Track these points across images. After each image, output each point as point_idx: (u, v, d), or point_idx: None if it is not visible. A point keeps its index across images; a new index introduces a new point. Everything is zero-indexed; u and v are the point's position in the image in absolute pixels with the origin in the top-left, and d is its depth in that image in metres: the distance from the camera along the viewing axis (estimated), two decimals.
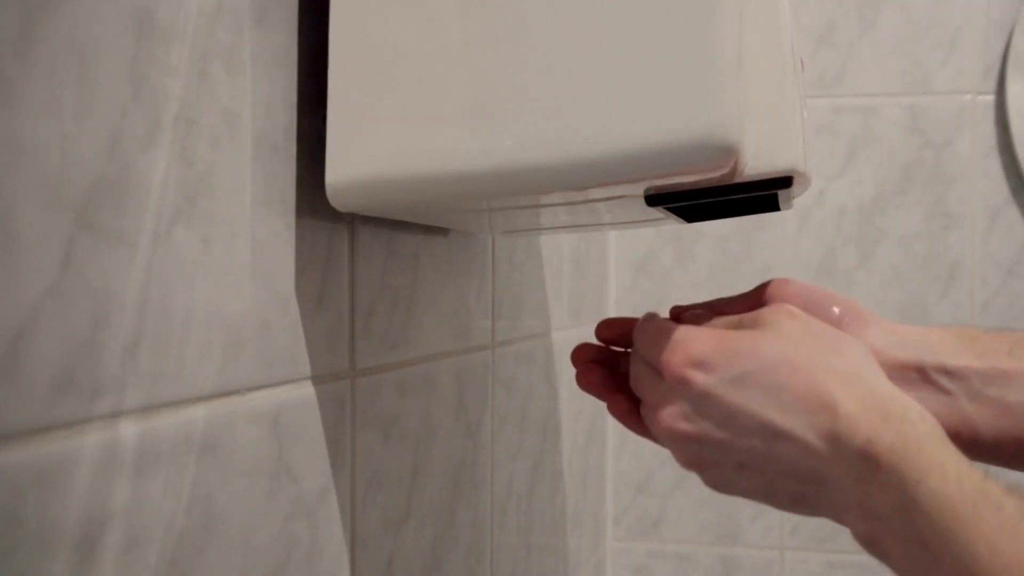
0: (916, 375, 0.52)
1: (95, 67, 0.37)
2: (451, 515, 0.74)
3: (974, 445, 0.51)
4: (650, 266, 1.40)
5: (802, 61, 0.58)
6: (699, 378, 0.48)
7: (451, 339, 0.74)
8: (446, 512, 0.73)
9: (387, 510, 0.63)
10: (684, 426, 0.49)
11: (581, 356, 0.59)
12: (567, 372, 1.08)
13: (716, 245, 1.38)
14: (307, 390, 0.53)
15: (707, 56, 0.45)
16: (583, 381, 0.58)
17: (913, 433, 0.43)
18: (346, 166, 0.50)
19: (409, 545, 0.66)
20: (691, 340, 0.49)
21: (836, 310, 0.54)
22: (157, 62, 0.41)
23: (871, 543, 0.45)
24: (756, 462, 0.47)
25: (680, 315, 0.57)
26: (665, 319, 0.55)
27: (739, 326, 0.51)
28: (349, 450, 0.58)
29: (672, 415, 0.49)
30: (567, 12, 0.47)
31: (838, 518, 0.47)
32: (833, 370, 0.46)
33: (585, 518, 1.25)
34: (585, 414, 1.22)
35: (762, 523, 1.39)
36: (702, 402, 0.48)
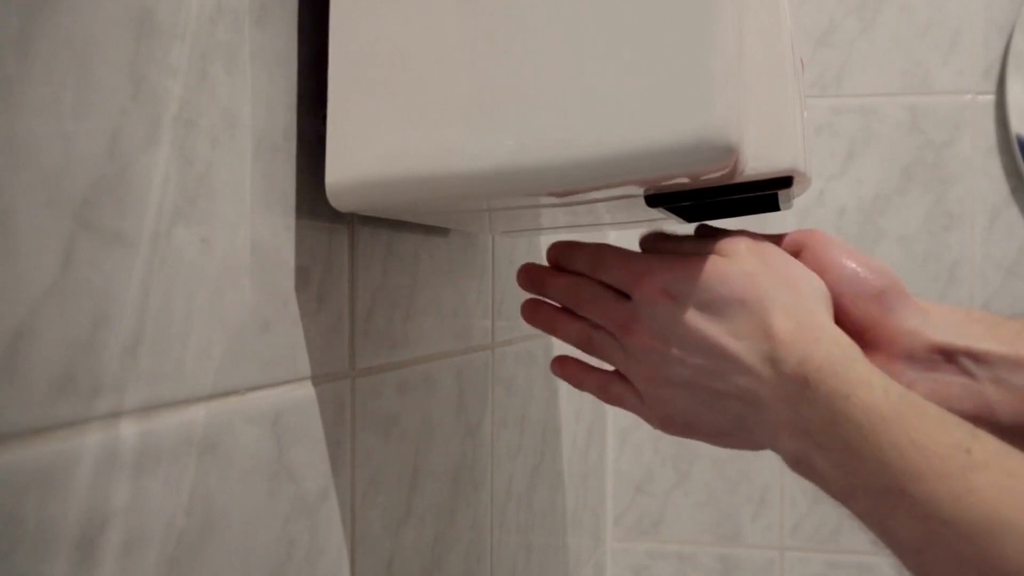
0: (941, 357, 0.53)
1: (95, 67, 0.37)
2: (451, 515, 0.74)
3: (993, 430, 0.52)
4: None
5: (802, 61, 0.58)
6: (668, 303, 0.52)
7: (451, 339, 0.74)
8: (446, 512, 0.73)
9: (387, 510, 0.63)
10: (650, 341, 0.53)
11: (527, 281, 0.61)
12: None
13: None
14: (307, 390, 0.53)
15: (707, 56, 0.45)
16: (529, 315, 0.61)
17: (841, 355, 0.47)
18: (346, 166, 0.50)
19: (409, 545, 0.66)
20: (662, 268, 0.53)
21: (876, 285, 0.54)
22: (157, 62, 0.41)
23: (799, 461, 0.48)
24: (704, 379, 0.51)
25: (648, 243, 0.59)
26: (621, 248, 0.57)
27: (701, 252, 0.53)
28: (349, 450, 0.58)
29: (640, 330, 0.53)
30: (567, 13, 0.47)
31: (772, 442, 0.50)
32: (780, 302, 0.49)
33: (585, 518, 1.25)
34: (585, 414, 1.22)
35: (762, 523, 1.39)
36: (667, 322, 0.52)
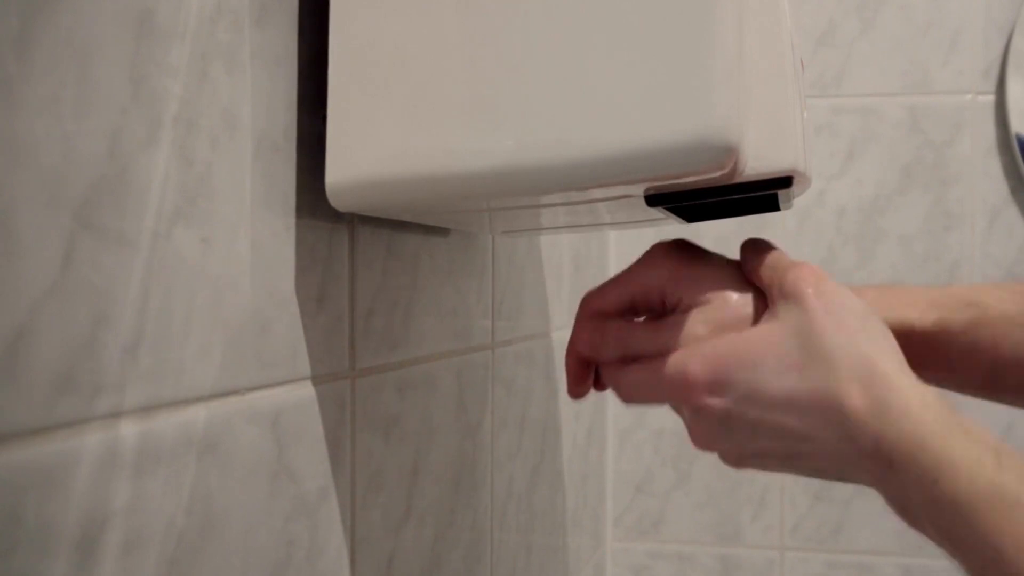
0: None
1: (95, 67, 0.37)
2: (451, 515, 0.74)
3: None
4: None
5: (802, 61, 0.58)
6: (715, 403, 0.48)
7: (451, 339, 0.74)
8: (446, 512, 0.73)
9: (387, 510, 0.63)
10: (720, 445, 0.50)
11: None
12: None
13: (716, 245, 1.38)
14: (307, 390, 0.53)
15: (707, 56, 0.45)
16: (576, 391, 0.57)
17: (913, 430, 0.43)
18: (346, 166, 0.50)
19: (409, 545, 0.66)
20: (688, 366, 0.48)
21: None
22: (157, 62, 0.41)
23: (910, 523, 0.45)
24: (792, 458, 0.48)
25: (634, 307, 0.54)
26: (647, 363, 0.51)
27: (739, 313, 0.50)
28: (349, 450, 0.58)
29: (703, 437, 0.50)
30: (567, 13, 0.47)
31: (859, 481, 0.47)
32: (846, 371, 0.45)
33: (585, 518, 1.25)
34: (585, 414, 1.22)
35: (762, 523, 1.39)
36: (726, 422, 0.48)
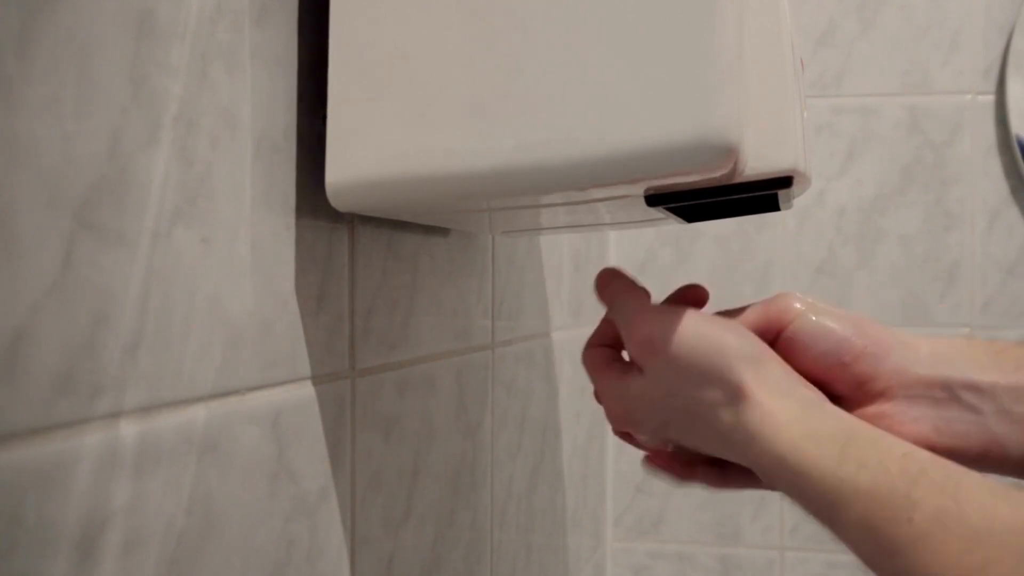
0: (943, 393, 0.51)
1: (95, 67, 0.37)
2: (451, 515, 0.74)
3: (1003, 463, 0.51)
4: (650, 266, 1.40)
5: (802, 61, 0.58)
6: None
7: (451, 339, 0.74)
8: (446, 512, 0.73)
9: (387, 510, 0.63)
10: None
11: None
12: (567, 372, 1.08)
13: (716, 245, 1.38)
14: (307, 390, 0.53)
15: (707, 56, 0.45)
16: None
17: (771, 448, 0.48)
18: (346, 166, 0.50)
19: (409, 545, 0.66)
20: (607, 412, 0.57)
21: (858, 344, 0.53)
22: (157, 62, 0.41)
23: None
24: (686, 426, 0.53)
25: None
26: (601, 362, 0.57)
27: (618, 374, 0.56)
28: (349, 450, 0.58)
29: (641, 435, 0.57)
30: (567, 13, 0.47)
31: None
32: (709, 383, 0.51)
33: (585, 518, 1.25)
34: (585, 414, 1.22)
35: (762, 523, 1.39)
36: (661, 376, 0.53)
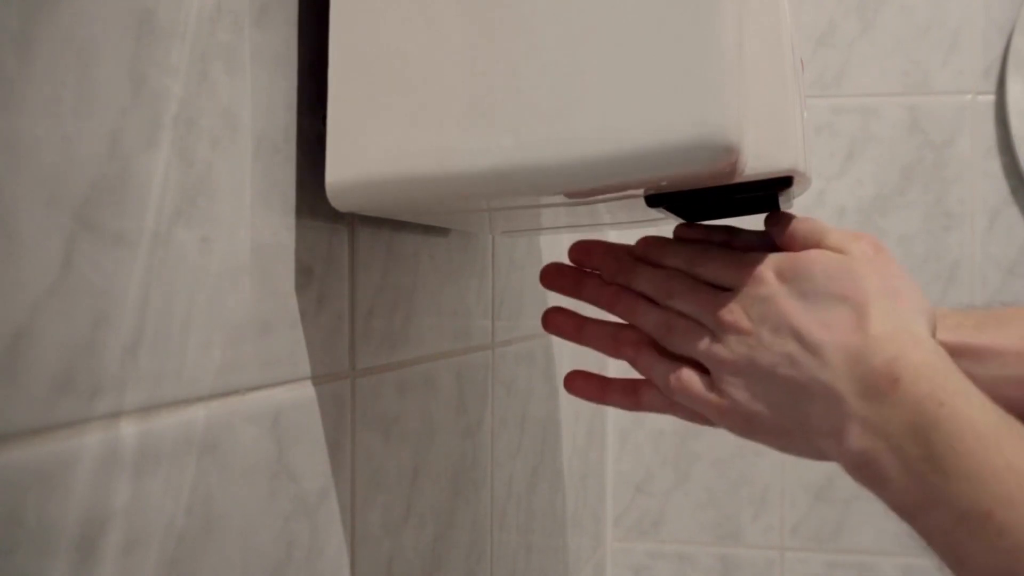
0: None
1: (95, 67, 0.37)
2: (451, 515, 0.74)
3: None
4: None
5: (802, 61, 0.58)
6: (773, 285, 0.52)
7: (451, 339, 0.74)
8: (446, 512, 0.73)
9: (387, 510, 0.63)
10: (745, 324, 0.52)
11: (551, 280, 0.63)
12: (567, 372, 1.08)
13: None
14: (307, 390, 0.53)
15: (707, 56, 0.45)
16: (609, 303, 0.61)
17: (940, 363, 0.46)
18: (346, 166, 0.50)
19: (409, 545, 0.66)
20: (774, 257, 0.53)
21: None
22: (157, 62, 0.41)
23: (866, 464, 0.46)
24: (786, 368, 0.50)
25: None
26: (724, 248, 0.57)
27: (821, 241, 0.54)
28: (349, 450, 0.58)
29: (737, 313, 0.53)
30: (567, 12, 0.47)
31: (836, 442, 0.48)
32: (881, 307, 0.49)
33: (585, 518, 1.25)
34: (585, 414, 1.22)
35: (762, 523, 1.39)
36: (767, 305, 0.52)
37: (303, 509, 0.53)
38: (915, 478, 0.44)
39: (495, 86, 0.48)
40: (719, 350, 0.53)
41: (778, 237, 0.55)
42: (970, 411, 0.43)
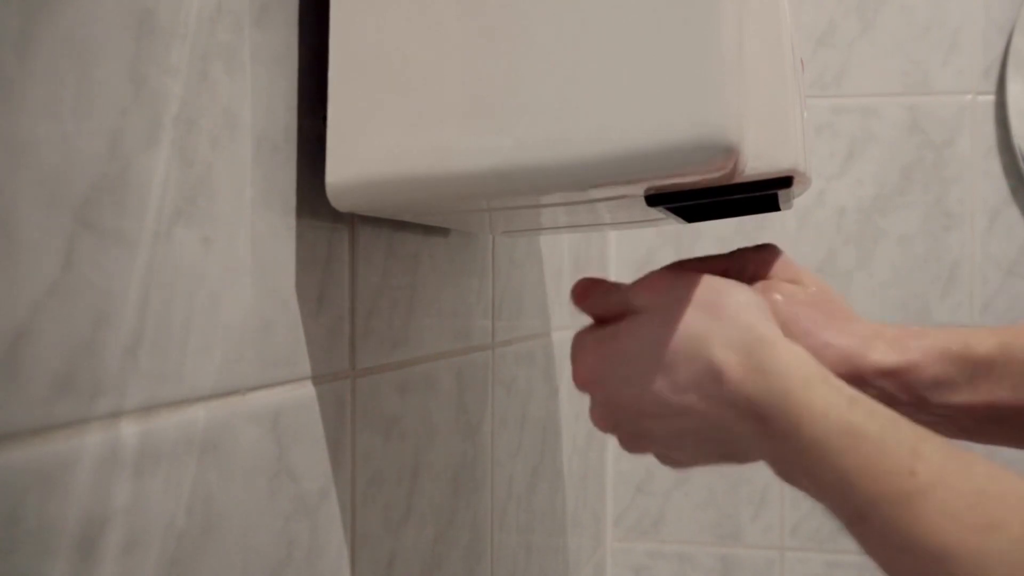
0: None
1: (95, 67, 0.37)
2: (451, 515, 0.74)
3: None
4: (650, 266, 1.39)
5: (802, 61, 0.58)
6: (596, 389, 0.53)
7: (451, 339, 0.74)
8: (446, 512, 0.73)
9: (387, 510, 0.63)
10: (604, 425, 0.55)
11: None
12: (567, 372, 1.08)
13: (716, 245, 1.38)
14: (307, 390, 0.53)
15: (707, 56, 0.45)
16: None
17: (781, 384, 0.46)
18: (346, 166, 0.50)
19: (409, 545, 0.66)
20: (578, 358, 0.54)
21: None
22: (157, 62, 0.41)
23: (787, 478, 0.48)
24: (678, 438, 0.51)
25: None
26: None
27: (624, 307, 0.53)
28: (349, 450, 0.58)
29: (596, 418, 0.55)
30: (567, 12, 0.47)
31: (764, 460, 0.50)
32: (715, 338, 0.48)
33: (585, 518, 1.25)
34: (585, 414, 1.22)
35: (762, 523, 1.39)
36: (608, 406, 0.53)
37: (303, 509, 0.53)
38: (819, 492, 0.46)
39: (495, 86, 0.48)
40: (624, 445, 0.56)
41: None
42: (814, 428, 0.44)
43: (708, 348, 0.48)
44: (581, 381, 0.54)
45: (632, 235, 1.41)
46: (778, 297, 0.54)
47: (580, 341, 0.55)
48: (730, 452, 0.51)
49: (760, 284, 0.56)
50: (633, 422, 0.52)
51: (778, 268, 0.57)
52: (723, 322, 0.48)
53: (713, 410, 0.48)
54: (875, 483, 0.42)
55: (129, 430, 0.39)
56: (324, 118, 0.51)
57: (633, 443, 0.55)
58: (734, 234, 1.38)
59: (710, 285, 0.50)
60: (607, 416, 0.54)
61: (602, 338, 0.53)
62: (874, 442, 0.43)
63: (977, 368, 0.54)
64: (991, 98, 1.32)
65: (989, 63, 1.31)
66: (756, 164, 0.49)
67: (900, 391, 0.53)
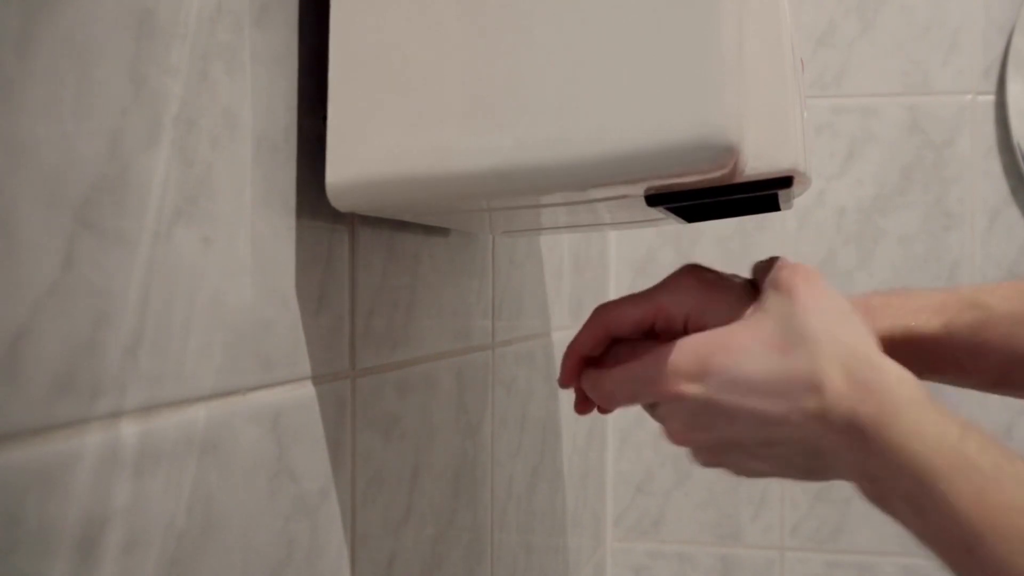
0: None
1: (95, 67, 0.37)
2: (451, 515, 0.74)
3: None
4: (650, 266, 1.40)
5: (802, 61, 0.58)
6: (694, 390, 0.49)
7: (451, 339, 0.74)
8: (446, 512, 0.73)
9: (387, 510, 0.63)
10: (695, 436, 0.51)
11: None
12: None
13: (716, 245, 1.38)
14: (307, 390, 0.53)
15: (708, 56, 0.45)
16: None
17: (891, 402, 0.45)
18: (346, 166, 0.50)
19: (409, 545, 0.66)
20: (672, 356, 0.50)
21: None
22: (157, 62, 0.41)
23: (877, 500, 0.47)
24: (764, 449, 0.49)
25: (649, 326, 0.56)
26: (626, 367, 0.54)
27: (743, 299, 0.52)
28: (349, 450, 0.58)
29: (680, 430, 0.52)
30: (568, 12, 0.47)
31: (849, 480, 0.49)
32: (824, 351, 0.47)
33: (585, 518, 1.25)
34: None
35: (762, 523, 1.39)
36: (705, 410, 0.50)
37: (303, 509, 0.53)
38: (908, 513, 0.45)
39: (495, 86, 0.48)
40: (701, 458, 0.53)
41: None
42: (925, 450, 0.44)
43: (814, 358, 0.47)
44: (665, 389, 0.50)
45: (632, 235, 1.41)
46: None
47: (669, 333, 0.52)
48: (813, 468, 0.49)
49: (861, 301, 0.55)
50: (725, 427, 0.50)
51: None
52: (835, 335, 0.47)
53: (807, 422, 0.47)
54: (988, 517, 0.42)
55: (129, 430, 0.39)
56: (324, 118, 0.51)
57: (711, 456, 0.52)
58: (734, 234, 1.38)
59: (823, 294, 0.50)
60: (686, 432, 0.52)
61: (702, 341, 0.50)
62: (988, 476, 0.42)
63: (920, 351, 0.55)
64: (991, 98, 1.32)
65: (989, 63, 1.31)
66: (756, 164, 0.49)
67: None
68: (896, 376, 0.46)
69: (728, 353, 0.49)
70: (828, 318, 0.48)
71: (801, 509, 1.38)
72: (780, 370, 0.47)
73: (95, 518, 0.37)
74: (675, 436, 0.52)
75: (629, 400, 0.54)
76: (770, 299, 0.50)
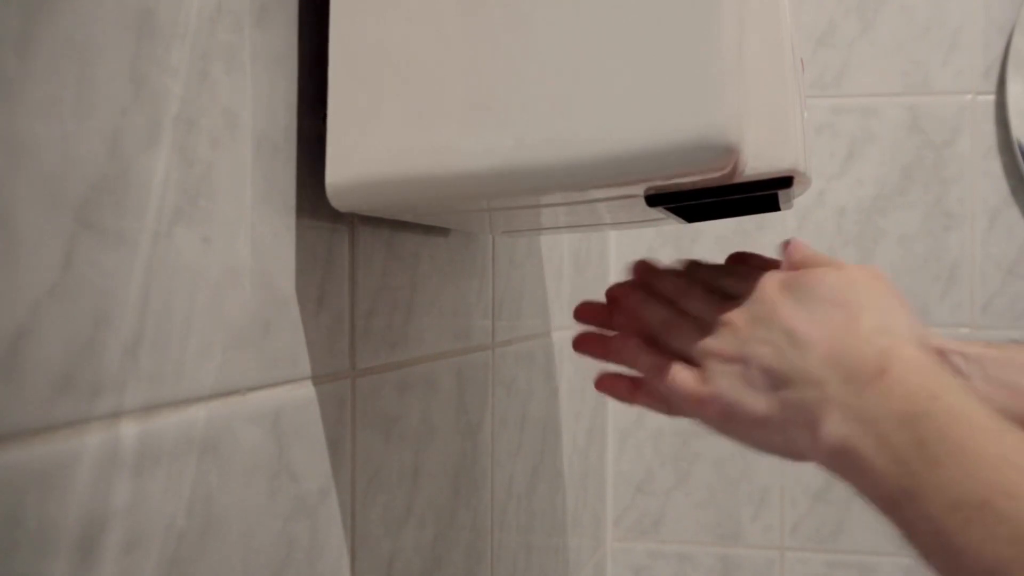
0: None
1: (95, 67, 0.37)
2: (451, 515, 0.74)
3: None
4: None
5: (802, 61, 0.58)
6: (778, 294, 0.53)
7: (451, 339, 0.74)
8: (446, 512, 0.73)
9: (387, 510, 0.63)
10: (742, 323, 0.54)
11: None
12: (567, 372, 1.08)
13: (716, 245, 1.38)
14: (307, 390, 0.53)
15: (708, 56, 0.45)
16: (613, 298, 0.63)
17: (932, 362, 0.47)
18: (346, 166, 0.50)
19: (409, 545, 0.66)
20: (784, 273, 0.55)
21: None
22: (157, 62, 0.41)
23: (844, 451, 0.47)
24: (775, 360, 0.51)
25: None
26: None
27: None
28: (349, 450, 0.58)
29: (737, 315, 0.54)
30: (568, 12, 0.47)
31: (813, 427, 0.49)
32: (876, 308, 0.51)
33: (585, 518, 1.25)
34: (585, 414, 1.22)
35: (762, 523, 1.39)
36: (766, 309, 0.53)
37: (303, 509, 0.53)
38: (900, 466, 0.44)
39: (495, 86, 0.48)
40: (712, 343, 0.55)
41: (790, 260, 0.58)
42: (963, 405, 0.44)
43: (863, 310, 0.50)
44: (771, 280, 0.55)
45: (632, 235, 1.41)
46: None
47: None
48: (784, 405, 0.50)
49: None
50: (751, 335, 0.53)
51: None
52: (891, 308, 0.52)
53: (828, 351, 0.49)
54: (1021, 474, 0.41)
55: (129, 430, 0.39)
56: (324, 118, 0.51)
57: (725, 352, 0.54)
58: (734, 234, 1.38)
59: (895, 292, 0.54)
60: (740, 315, 0.54)
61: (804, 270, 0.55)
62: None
63: None
64: (991, 98, 1.32)
65: (989, 63, 1.31)
66: (756, 164, 0.49)
67: (973, 368, 0.56)
68: (926, 348, 0.49)
69: (813, 281, 0.53)
70: (888, 297, 0.54)
71: (801, 509, 1.38)
72: (834, 310, 0.51)
73: (95, 518, 0.37)
74: (709, 343, 0.54)
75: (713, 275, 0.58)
76: (852, 268, 0.56)
